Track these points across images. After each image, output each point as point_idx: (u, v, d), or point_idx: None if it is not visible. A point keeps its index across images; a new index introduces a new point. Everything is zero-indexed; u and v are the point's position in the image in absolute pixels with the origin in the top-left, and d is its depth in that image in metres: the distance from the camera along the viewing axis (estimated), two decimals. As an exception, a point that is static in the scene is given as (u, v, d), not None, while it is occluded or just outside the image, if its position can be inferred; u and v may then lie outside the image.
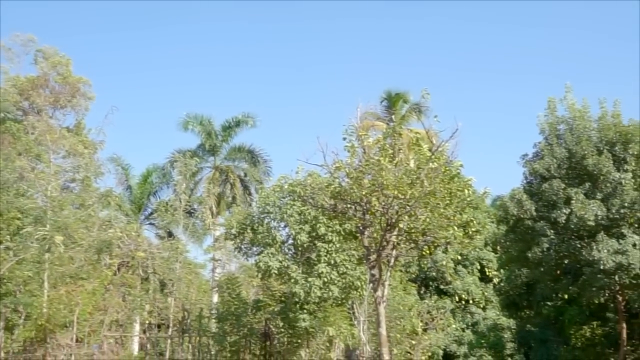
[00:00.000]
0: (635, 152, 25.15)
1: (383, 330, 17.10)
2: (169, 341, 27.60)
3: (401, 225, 17.09)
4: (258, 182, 40.21)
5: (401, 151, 18.09)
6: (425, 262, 33.89)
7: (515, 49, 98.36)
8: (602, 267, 23.92)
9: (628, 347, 28.45)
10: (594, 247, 24.17)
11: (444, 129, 16.99)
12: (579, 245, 25.26)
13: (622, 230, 24.46)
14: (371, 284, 17.92)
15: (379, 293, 17.08)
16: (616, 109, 26.33)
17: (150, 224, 39.35)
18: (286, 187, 23.79)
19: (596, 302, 27.60)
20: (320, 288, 22.83)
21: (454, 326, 35.55)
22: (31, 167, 24.59)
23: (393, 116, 37.19)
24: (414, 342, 29.16)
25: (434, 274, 36.43)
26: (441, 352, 34.28)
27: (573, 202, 24.52)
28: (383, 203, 16.48)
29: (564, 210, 24.86)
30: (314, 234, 23.24)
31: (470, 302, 36.75)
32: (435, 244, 18.74)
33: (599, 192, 24.98)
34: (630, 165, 25.09)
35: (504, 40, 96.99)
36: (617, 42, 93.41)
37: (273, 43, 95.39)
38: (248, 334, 25.21)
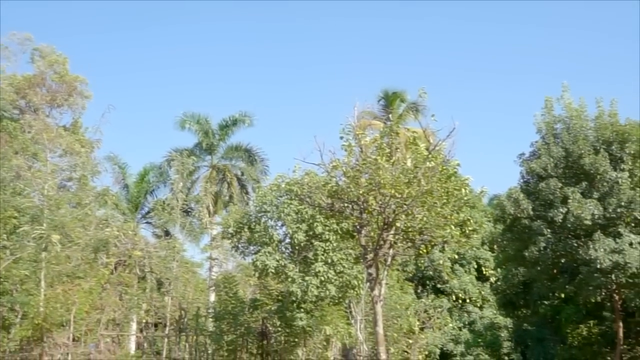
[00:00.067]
0: (632, 152, 25.18)
1: (380, 329, 17.11)
2: (165, 340, 27.60)
3: (398, 224, 17.11)
4: (255, 181, 40.22)
5: (398, 150, 18.10)
6: (422, 261, 33.91)
7: (513, 48, 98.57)
8: (598, 266, 23.94)
9: (624, 346, 28.48)
10: (591, 246, 24.19)
11: (441, 128, 17.06)
12: (575, 245, 25.29)
13: (619, 230, 24.48)
14: (368, 283, 17.94)
15: (376, 292, 17.09)
16: (613, 108, 26.35)
17: (147, 222, 39.33)
18: (283, 186, 23.78)
19: (593, 301, 27.60)
20: (317, 287, 22.85)
21: (450, 325, 35.63)
22: (28, 165, 24.51)
23: (390, 115, 37.17)
24: (410, 341, 29.23)
25: (431, 273, 36.49)
26: (438, 351, 34.38)
27: (570, 201, 24.55)
28: (380, 202, 16.49)
29: (561, 210, 24.88)
30: (311, 232, 23.26)
31: (467, 301, 36.82)
32: (432, 243, 18.78)
33: (595, 191, 25.00)
34: (627, 165, 25.11)
35: (501, 39, 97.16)
36: (614, 42, 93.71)
37: (270, 42, 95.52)
38: (245, 332, 25.22)
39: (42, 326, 21.03)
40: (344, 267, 23.32)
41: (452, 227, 17.19)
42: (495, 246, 34.31)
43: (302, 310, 23.60)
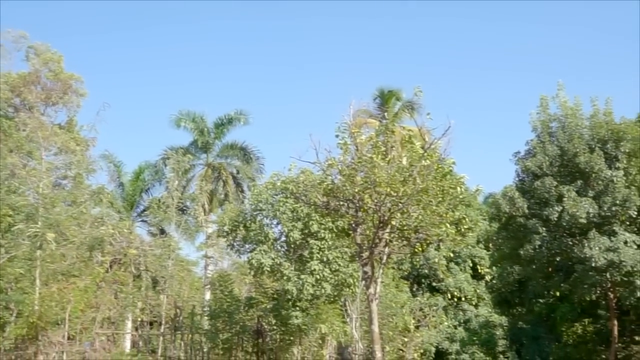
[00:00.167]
0: (627, 150, 25.23)
1: (375, 328, 17.12)
2: (161, 338, 27.58)
3: (393, 223, 17.12)
4: (250, 179, 40.18)
5: (394, 148, 18.06)
6: (418, 260, 33.98)
7: (508, 46, 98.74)
8: (593, 265, 24.00)
9: (619, 344, 28.54)
10: (586, 245, 24.25)
11: (437, 126, 17.05)
12: (570, 243, 25.34)
13: (614, 228, 24.53)
14: (363, 281, 17.94)
15: (371, 290, 17.10)
16: (608, 107, 26.40)
17: (143, 221, 39.27)
18: (279, 184, 23.78)
19: (588, 299, 27.65)
20: (313, 285, 22.85)
21: (446, 323, 35.68)
22: (23, 164, 24.42)
23: (386, 113, 37.32)
24: (406, 339, 29.23)
25: (426, 271, 36.52)
26: (433, 350, 34.41)
27: (565, 199, 24.59)
28: (375, 200, 16.50)
29: (556, 208, 24.92)
30: (306, 231, 23.25)
31: (463, 299, 36.87)
32: (428, 242, 18.79)
33: (590, 189, 25.05)
34: (622, 163, 25.16)
35: (497, 37, 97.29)
36: (609, 40, 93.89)
37: (266, 41, 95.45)
38: (240, 331, 25.20)
39: (37, 324, 20.98)
40: (339, 265, 23.33)
41: (448, 225, 17.19)
42: (490, 244, 34.35)
43: (297, 308, 23.60)
